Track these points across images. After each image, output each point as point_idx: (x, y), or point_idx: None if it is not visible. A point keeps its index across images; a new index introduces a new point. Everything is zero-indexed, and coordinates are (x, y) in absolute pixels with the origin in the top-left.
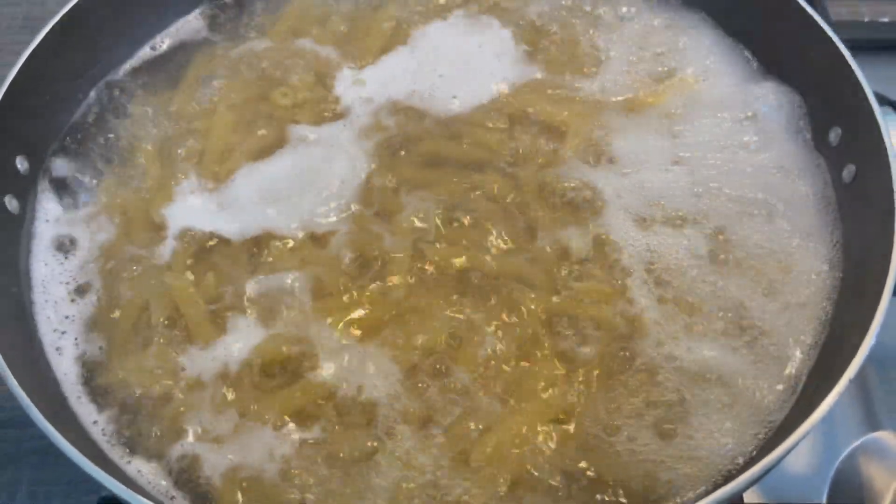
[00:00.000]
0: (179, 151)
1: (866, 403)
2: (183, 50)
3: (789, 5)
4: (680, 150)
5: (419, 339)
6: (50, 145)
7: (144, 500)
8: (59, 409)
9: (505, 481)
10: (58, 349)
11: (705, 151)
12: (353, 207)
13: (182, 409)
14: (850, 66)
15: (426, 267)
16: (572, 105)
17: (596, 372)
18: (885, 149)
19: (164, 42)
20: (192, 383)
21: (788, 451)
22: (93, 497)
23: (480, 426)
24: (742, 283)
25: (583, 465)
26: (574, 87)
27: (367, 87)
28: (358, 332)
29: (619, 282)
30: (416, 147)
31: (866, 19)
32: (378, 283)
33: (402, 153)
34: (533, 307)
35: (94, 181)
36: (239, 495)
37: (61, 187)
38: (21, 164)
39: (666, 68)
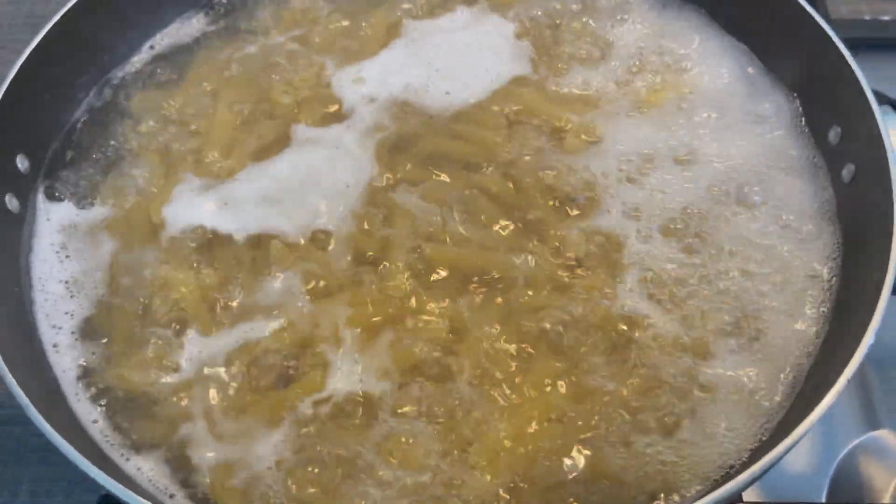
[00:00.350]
0: (180, 151)
1: (866, 402)
2: (183, 49)
3: (789, 3)
4: (679, 148)
5: (419, 337)
6: (50, 144)
7: (142, 499)
8: (57, 408)
9: (504, 479)
10: (56, 347)
11: (704, 150)
12: (353, 206)
13: (181, 407)
14: (849, 65)
15: (426, 266)
16: (572, 104)
17: (592, 371)
18: (885, 148)
19: (164, 41)
20: (191, 382)
21: (787, 451)
22: (94, 495)
23: (479, 425)
24: (741, 283)
25: (581, 463)
26: (574, 85)
27: (367, 84)
28: (358, 331)
29: (618, 280)
30: (416, 146)
31: (866, 17)
32: (378, 282)
33: (402, 152)
34: (532, 305)
35: (95, 180)
36: (238, 494)
37: (62, 186)
38: (21, 162)
39: (666, 67)
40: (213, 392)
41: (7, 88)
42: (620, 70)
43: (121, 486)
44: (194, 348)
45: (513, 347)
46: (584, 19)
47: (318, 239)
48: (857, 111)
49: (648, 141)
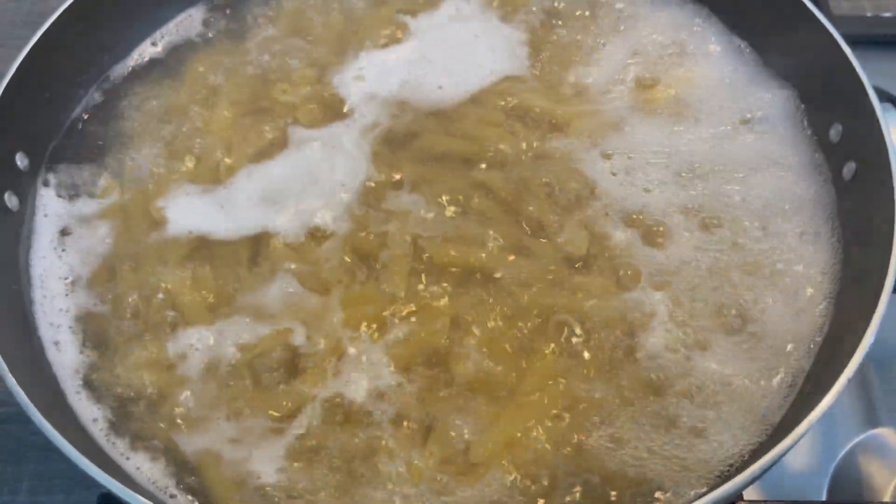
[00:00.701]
0: (180, 148)
1: (866, 401)
2: (183, 46)
3: (790, 0)
4: (679, 145)
5: (419, 336)
6: (50, 142)
7: (142, 498)
8: (57, 406)
9: (504, 478)
10: (56, 344)
11: (704, 147)
12: (353, 204)
13: (181, 405)
14: (850, 62)
15: (425, 264)
16: (572, 100)
17: (594, 369)
18: (886, 146)
19: (164, 38)
20: (191, 380)
21: (788, 450)
22: (94, 492)
23: (480, 422)
24: (741, 281)
25: (581, 462)
26: (574, 82)
27: (367, 81)
28: (357, 329)
29: (619, 278)
30: (416, 143)
31: (868, 14)
32: (378, 280)
33: (402, 149)
34: (533, 304)
35: (94, 178)
36: (238, 493)
37: (61, 184)
38: (21, 160)
39: (666, 64)
40: (212, 390)
41: (7, 86)
42: (620, 67)
43: (121, 486)
44: (194, 346)
45: (513, 346)
46: (583, 15)
47: (317, 237)
48: (858, 108)
49: (649, 138)
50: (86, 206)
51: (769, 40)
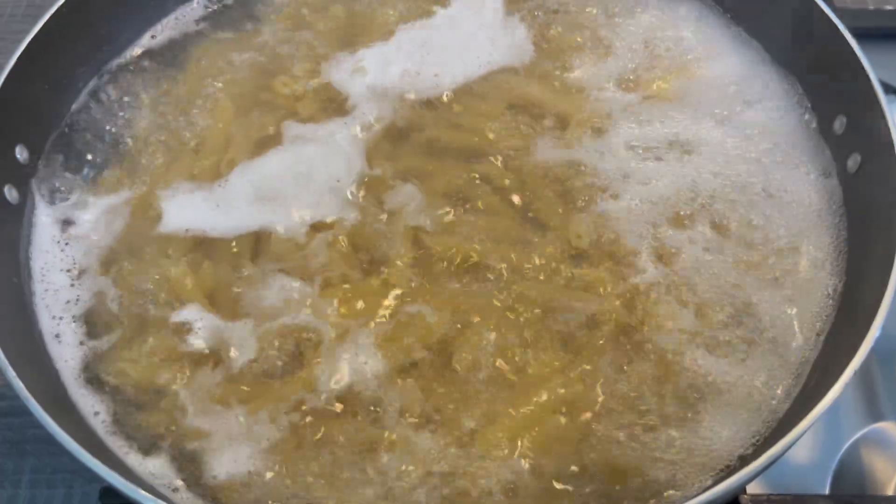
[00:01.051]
0: (180, 141)
1: (870, 394)
2: (184, 39)
3: None
4: (683, 139)
5: (420, 330)
6: (50, 134)
7: (144, 492)
8: (58, 400)
9: (506, 472)
10: (57, 337)
11: (708, 140)
12: (354, 198)
13: (183, 398)
14: (855, 54)
15: (427, 258)
16: (575, 93)
17: (597, 363)
18: (891, 138)
19: (164, 31)
20: (192, 374)
21: (792, 443)
22: (95, 486)
23: (482, 417)
24: (745, 274)
25: (584, 456)
26: (577, 74)
27: (368, 75)
28: (358, 324)
29: (622, 272)
30: (417, 136)
31: (871, 7)
32: (378, 274)
33: (403, 142)
34: (535, 297)
35: (94, 170)
36: (241, 486)
37: (61, 177)
38: (21, 153)
39: (670, 57)
40: (214, 384)
41: (6, 78)
42: (624, 60)
43: (122, 479)
44: (195, 340)
45: (516, 339)
46: (585, 7)
47: (318, 231)
48: (863, 101)
49: (652, 131)
50: (86, 199)
51: (774, 33)
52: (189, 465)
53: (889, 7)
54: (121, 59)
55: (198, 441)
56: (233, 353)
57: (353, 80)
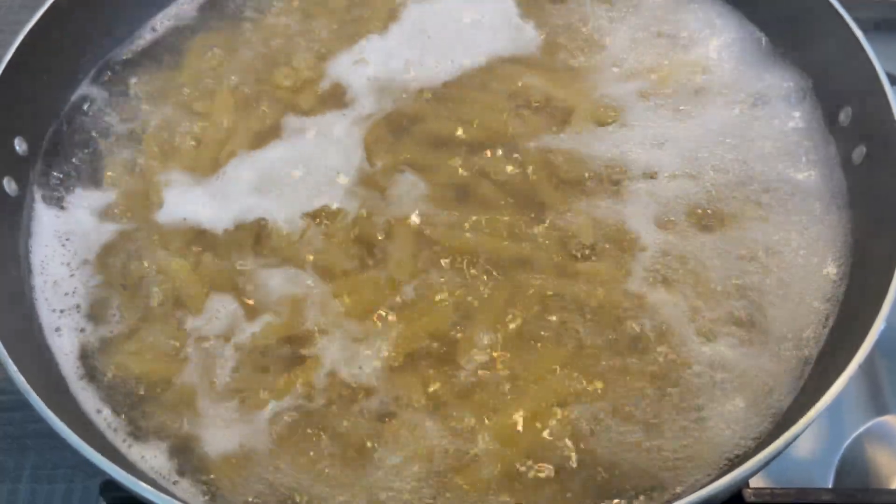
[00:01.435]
0: (180, 133)
1: (873, 388)
2: (183, 30)
3: None
4: (687, 129)
5: (423, 322)
6: (49, 126)
7: (145, 485)
8: (59, 393)
9: (509, 466)
10: (57, 331)
11: (713, 131)
12: (355, 190)
13: (184, 392)
14: (861, 46)
15: (428, 250)
16: (579, 85)
17: (599, 356)
18: None
19: (164, 22)
20: (193, 366)
21: (796, 437)
22: (96, 481)
23: (483, 411)
24: (749, 267)
25: (587, 450)
26: (581, 65)
27: (369, 66)
28: (360, 316)
29: (626, 266)
30: (419, 127)
31: None
32: (379, 267)
33: (405, 134)
34: (539, 290)
35: (94, 163)
36: (243, 479)
37: (61, 169)
38: (19, 145)
39: (674, 46)
40: (215, 377)
41: (4, 70)
42: (628, 50)
43: (123, 472)
44: (196, 333)
45: (518, 334)
46: None
47: (321, 224)
48: (868, 92)
49: (656, 123)
50: (86, 191)
51: (780, 24)
52: (189, 457)
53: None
54: (121, 51)
55: (198, 434)
56: (233, 345)
57: (353, 72)
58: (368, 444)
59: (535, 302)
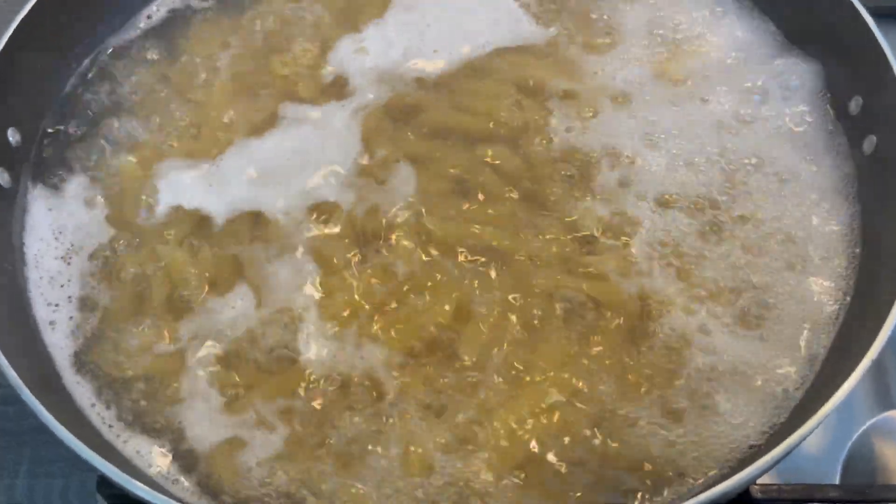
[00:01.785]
0: (176, 123)
1: (880, 383)
2: (180, 17)
3: None
4: (695, 118)
5: (424, 316)
6: (42, 116)
7: (138, 483)
8: (52, 389)
9: (513, 462)
10: (51, 324)
11: (720, 122)
12: (353, 181)
13: (181, 387)
14: (872, 33)
15: (429, 243)
16: (583, 73)
17: (605, 350)
18: None
19: (160, 10)
20: (191, 361)
21: (809, 433)
22: (93, 476)
23: (487, 407)
24: (758, 260)
25: (594, 446)
26: (586, 54)
27: (369, 55)
28: (360, 310)
29: (632, 259)
30: (420, 118)
31: None
32: (381, 259)
33: (406, 124)
34: (541, 284)
35: (89, 153)
36: (241, 474)
37: (54, 160)
38: (13, 136)
39: (681, 36)
40: (213, 372)
41: None
42: (632, 39)
43: (117, 470)
44: (193, 327)
45: (522, 328)
46: None
47: (320, 216)
48: (880, 80)
49: (663, 112)
50: (80, 182)
51: (789, 12)
52: (187, 454)
53: None
54: (116, 39)
55: (196, 430)
56: (231, 338)
57: (353, 61)
58: (371, 439)
59: (538, 296)
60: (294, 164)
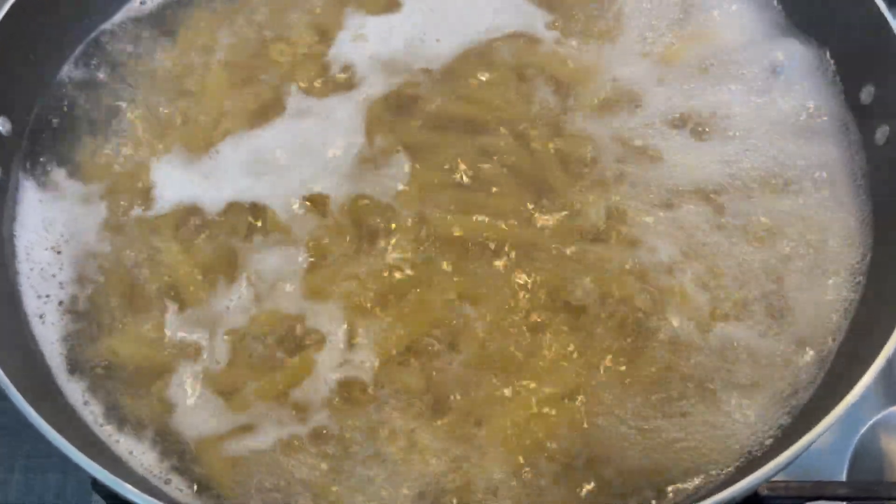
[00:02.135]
0: (172, 112)
1: (887, 378)
2: (174, 5)
3: None
4: (701, 109)
5: (424, 311)
6: (34, 106)
7: (129, 486)
8: (43, 385)
9: (513, 462)
10: (41, 318)
11: (727, 111)
12: (354, 172)
13: (175, 384)
14: (885, 20)
15: (430, 234)
16: (588, 62)
17: (610, 345)
18: None
19: None
20: (185, 357)
21: (821, 434)
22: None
23: (488, 404)
24: (767, 254)
25: (598, 443)
26: (590, 42)
27: (368, 42)
28: (358, 305)
29: (636, 250)
30: (421, 107)
31: None
32: (379, 251)
33: (406, 114)
34: (545, 276)
35: (82, 143)
36: (235, 474)
37: (46, 150)
38: (3, 125)
39: (687, 21)
40: (208, 368)
41: None
42: (636, 26)
43: (107, 473)
44: (188, 321)
45: (524, 322)
46: None
47: (318, 208)
48: (892, 69)
49: (669, 101)
50: (73, 173)
51: None
52: (181, 453)
53: None
54: (108, 26)
55: (191, 429)
56: (228, 335)
57: (353, 49)
58: (370, 436)
59: (542, 288)
60: (291, 154)
